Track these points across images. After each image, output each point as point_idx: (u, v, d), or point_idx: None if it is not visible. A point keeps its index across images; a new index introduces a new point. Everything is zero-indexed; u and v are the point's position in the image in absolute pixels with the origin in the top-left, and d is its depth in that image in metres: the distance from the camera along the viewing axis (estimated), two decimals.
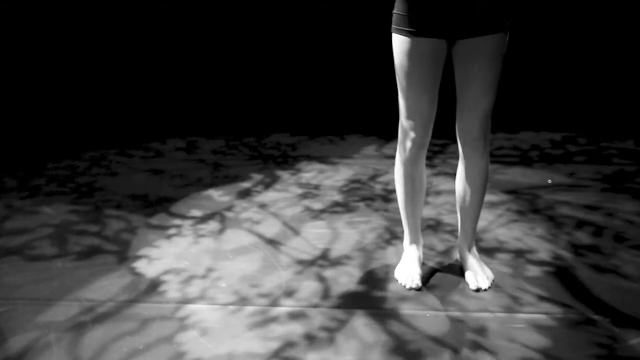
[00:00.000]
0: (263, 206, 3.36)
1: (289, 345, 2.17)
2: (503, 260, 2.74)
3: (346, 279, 2.61)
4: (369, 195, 3.48)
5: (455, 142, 2.42)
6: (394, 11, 2.30)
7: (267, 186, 3.66)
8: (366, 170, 3.88)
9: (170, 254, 2.84)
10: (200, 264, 2.75)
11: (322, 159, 4.12)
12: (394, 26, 2.29)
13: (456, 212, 2.63)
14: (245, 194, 3.53)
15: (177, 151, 4.35)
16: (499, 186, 3.56)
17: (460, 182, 2.48)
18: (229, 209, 3.33)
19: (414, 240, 2.62)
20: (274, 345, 2.17)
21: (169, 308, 2.41)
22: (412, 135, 2.35)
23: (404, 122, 2.37)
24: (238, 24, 5.10)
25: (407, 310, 2.37)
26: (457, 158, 2.47)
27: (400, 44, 2.26)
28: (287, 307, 2.41)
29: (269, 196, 3.50)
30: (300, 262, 2.76)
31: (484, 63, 2.23)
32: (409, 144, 2.39)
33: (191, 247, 2.92)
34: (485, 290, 2.48)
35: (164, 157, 4.25)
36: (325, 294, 2.50)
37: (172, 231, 3.08)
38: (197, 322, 2.32)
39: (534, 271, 2.64)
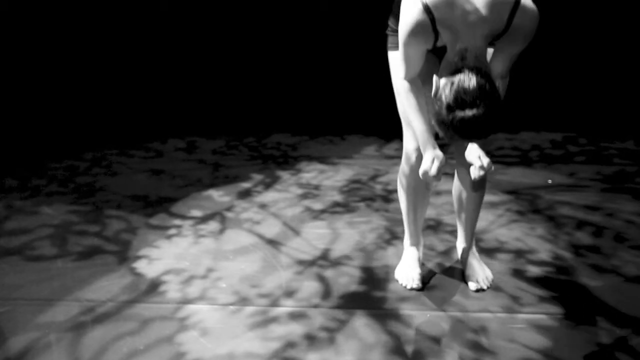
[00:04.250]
0: (263, 206, 3.36)
1: (289, 345, 2.17)
2: (503, 260, 2.74)
3: (346, 279, 2.61)
4: (369, 195, 3.48)
5: None
6: (387, 31, 2.33)
7: (267, 186, 3.66)
8: (366, 170, 3.88)
9: (170, 254, 2.84)
10: (200, 264, 2.74)
11: (322, 159, 4.11)
12: (389, 45, 2.33)
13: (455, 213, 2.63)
14: (245, 194, 3.53)
15: (177, 151, 4.35)
16: (499, 186, 3.56)
17: (456, 188, 2.48)
18: (229, 209, 3.33)
19: (415, 241, 2.62)
20: (274, 345, 2.17)
21: (169, 308, 2.41)
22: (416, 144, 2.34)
23: (407, 132, 2.37)
24: (238, 24, 5.10)
25: (407, 310, 2.37)
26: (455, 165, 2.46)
27: (396, 58, 2.26)
28: (287, 307, 2.41)
29: (269, 196, 3.50)
30: (300, 262, 2.75)
31: None
32: (414, 154, 2.35)
33: (191, 247, 2.92)
34: (485, 290, 2.48)
35: (163, 157, 4.25)
36: (325, 294, 2.50)
37: (172, 231, 3.08)
38: (197, 322, 2.32)
39: (534, 271, 2.64)
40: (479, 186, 2.41)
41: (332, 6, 5.00)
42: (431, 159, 2.14)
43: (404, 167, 2.44)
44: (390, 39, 2.33)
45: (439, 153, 2.15)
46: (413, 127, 2.22)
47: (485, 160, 2.09)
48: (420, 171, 2.15)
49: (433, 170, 2.12)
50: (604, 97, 4.85)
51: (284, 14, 5.04)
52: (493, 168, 2.12)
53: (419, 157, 2.29)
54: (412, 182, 2.44)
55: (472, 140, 1.99)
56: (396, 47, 2.24)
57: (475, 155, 2.12)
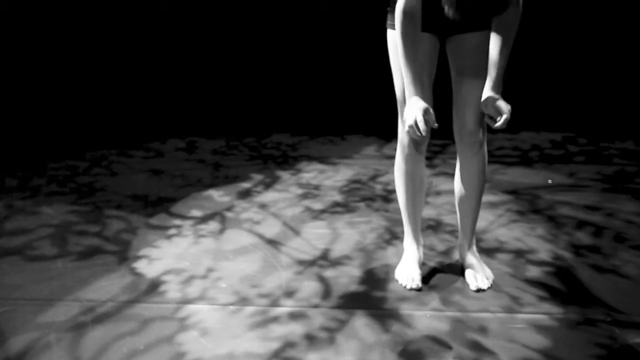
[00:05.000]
0: (263, 206, 3.36)
1: (289, 345, 2.17)
2: (503, 260, 2.73)
3: (346, 279, 2.61)
4: (369, 195, 3.48)
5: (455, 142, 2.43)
6: (388, 8, 2.35)
7: (267, 186, 3.66)
8: (366, 170, 3.88)
9: (170, 254, 2.84)
10: (200, 264, 2.74)
11: (322, 159, 4.12)
12: (388, 22, 2.35)
13: (456, 212, 2.64)
14: (245, 194, 3.53)
15: (177, 151, 4.35)
16: (499, 186, 3.56)
17: (457, 181, 2.49)
18: (229, 209, 3.33)
19: (414, 240, 2.62)
20: (274, 345, 2.17)
21: (169, 308, 2.41)
22: None
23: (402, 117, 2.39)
24: (238, 24, 5.10)
25: (407, 310, 2.37)
26: (457, 158, 2.48)
27: (394, 38, 2.29)
28: (287, 307, 2.41)
29: (269, 196, 3.50)
30: (300, 262, 2.75)
31: (475, 57, 2.29)
32: (408, 141, 2.40)
33: (191, 247, 2.92)
34: (485, 290, 2.48)
35: (164, 157, 4.25)
36: (325, 294, 2.50)
37: (172, 231, 3.08)
38: (197, 322, 2.32)
39: (534, 271, 2.64)
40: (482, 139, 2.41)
41: (332, 6, 5.00)
42: (419, 109, 2.14)
43: (399, 153, 2.47)
44: (389, 16, 2.34)
45: (424, 104, 2.16)
46: (404, 73, 2.21)
47: (503, 105, 2.17)
48: (406, 124, 2.17)
49: (420, 125, 2.13)
50: (604, 97, 4.85)
51: (284, 14, 5.04)
52: (510, 107, 2.18)
53: (412, 142, 2.36)
54: (409, 168, 2.46)
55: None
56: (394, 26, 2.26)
57: (490, 106, 2.19)
